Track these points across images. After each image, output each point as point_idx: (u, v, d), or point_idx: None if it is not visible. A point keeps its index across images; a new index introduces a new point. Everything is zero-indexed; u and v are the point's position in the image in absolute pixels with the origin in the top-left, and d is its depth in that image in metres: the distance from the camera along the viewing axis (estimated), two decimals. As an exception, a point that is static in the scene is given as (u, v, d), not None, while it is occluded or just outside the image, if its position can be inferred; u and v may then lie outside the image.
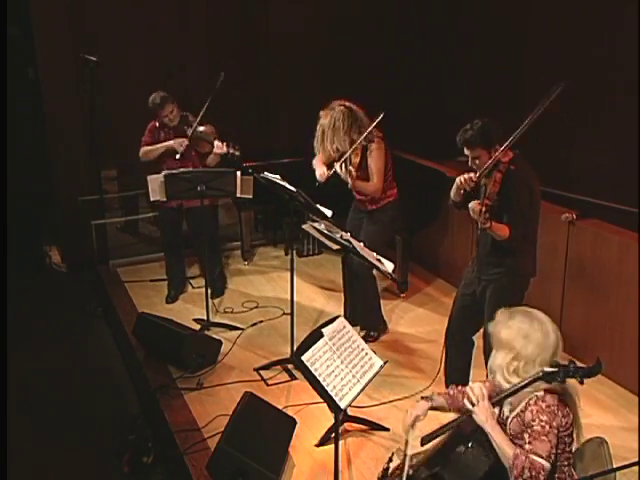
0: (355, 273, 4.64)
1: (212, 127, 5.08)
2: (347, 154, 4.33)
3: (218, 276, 5.57)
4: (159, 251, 6.35)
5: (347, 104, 4.41)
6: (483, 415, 2.46)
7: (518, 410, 2.49)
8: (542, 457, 2.32)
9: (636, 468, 2.54)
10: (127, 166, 6.36)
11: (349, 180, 4.35)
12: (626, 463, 2.33)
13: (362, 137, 4.29)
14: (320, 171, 4.47)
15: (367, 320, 4.83)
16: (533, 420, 2.38)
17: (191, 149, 5.02)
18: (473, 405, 2.49)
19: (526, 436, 2.39)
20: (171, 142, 4.97)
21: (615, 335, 4.22)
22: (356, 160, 4.43)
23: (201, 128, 4.99)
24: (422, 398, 2.84)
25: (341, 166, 4.32)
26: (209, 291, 5.42)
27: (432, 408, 2.78)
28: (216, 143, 4.93)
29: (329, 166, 4.44)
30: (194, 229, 5.32)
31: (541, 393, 2.42)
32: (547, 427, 2.35)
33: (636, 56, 4.52)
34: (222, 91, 4.99)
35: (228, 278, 5.82)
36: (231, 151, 4.91)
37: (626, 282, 4.12)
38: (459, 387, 2.85)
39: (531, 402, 2.42)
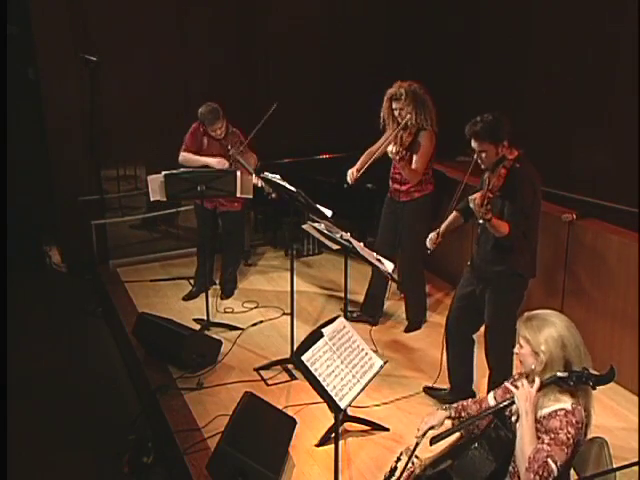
0: (408, 273, 4.87)
1: (255, 157, 5.13)
2: (400, 127, 4.41)
3: (230, 277, 5.59)
4: (159, 251, 6.37)
5: (417, 84, 4.46)
6: (523, 397, 2.42)
7: (538, 415, 2.45)
8: (556, 464, 2.31)
9: (636, 468, 2.54)
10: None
11: (396, 156, 4.35)
12: (626, 463, 2.33)
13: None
14: (350, 172, 4.64)
15: (416, 314, 5.02)
16: (561, 429, 2.35)
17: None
18: (517, 388, 2.46)
19: (546, 438, 2.36)
20: (213, 161, 4.97)
21: (615, 335, 4.22)
22: (408, 139, 4.47)
23: (246, 156, 5.02)
24: (444, 409, 2.82)
25: (397, 140, 4.40)
26: (219, 291, 5.54)
27: (449, 417, 2.78)
28: (255, 177, 4.94)
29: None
30: (225, 231, 5.39)
31: (569, 407, 2.39)
32: (571, 440, 2.34)
33: (636, 56, 4.52)
34: (221, 91, 5.01)
35: (228, 278, 5.83)
36: (269, 190, 4.92)
37: (626, 282, 4.12)
38: (473, 400, 2.86)
39: (560, 413, 2.39)
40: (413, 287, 4.96)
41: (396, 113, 4.44)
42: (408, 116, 4.39)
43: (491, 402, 2.75)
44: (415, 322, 5.01)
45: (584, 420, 2.38)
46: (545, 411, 2.43)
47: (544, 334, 2.44)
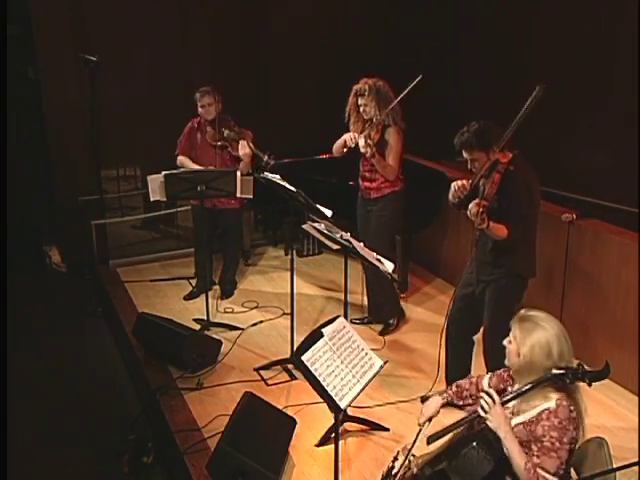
0: (374, 270, 4.67)
1: (250, 133, 5.11)
2: (372, 124, 4.40)
3: (230, 279, 5.59)
4: (159, 251, 6.37)
5: (382, 81, 4.47)
6: (497, 421, 2.44)
7: (526, 417, 2.46)
8: (549, 473, 2.33)
9: (636, 468, 2.54)
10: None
11: (368, 150, 4.35)
12: (626, 463, 2.33)
13: (393, 104, 4.34)
14: (349, 136, 4.49)
15: (386, 311, 4.94)
16: (544, 436, 2.36)
17: (225, 153, 5.06)
18: (486, 412, 2.47)
19: (535, 448, 2.38)
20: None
21: (615, 335, 4.22)
22: (376, 136, 4.48)
23: (240, 133, 5.02)
24: (438, 394, 2.86)
25: (365, 138, 4.37)
26: (219, 291, 5.56)
27: (445, 404, 2.80)
28: (241, 142, 4.93)
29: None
30: (223, 229, 5.40)
31: (553, 405, 2.39)
32: (557, 444, 2.34)
33: (636, 56, 4.52)
34: (222, 91, 5.01)
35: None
36: (265, 158, 4.88)
37: (626, 282, 4.12)
38: (468, 380, 2.87)
39: (543, 416, 2.40)
40: (380, 285, 4.81)
41: (361, 109, 4.47)
42: (371, 111, 4.41)
43: (485, 386, 2.76)
44: (389, 323, 4.94)
45: (570, 415, 2.38)
46: (533, 412, 2.45)
47: (532, 339, 2.45)
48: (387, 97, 4.42)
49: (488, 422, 2.46)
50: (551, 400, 2.41)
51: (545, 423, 2.38)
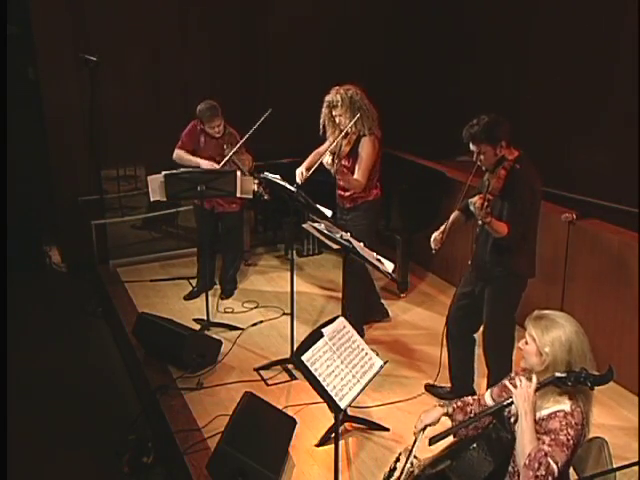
0: (351, 271, 4.61)
1: (251, 158, 5.11)
2: (340, 136, 4.29)
3: (230, 278, 5.60)
4: (159, 251, 6.36)
5: (354, 88, 4.34)
6: (522, 397, 2.40)
7: (537, 417, 2.43)
8: (557, 464, 2.30)
9: (636, 468, 2.55)
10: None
11: (331, 169, 4.26)
12: (626, 463, 2.33)
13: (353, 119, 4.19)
14: (299, 171, 4.44)
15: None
16: (561, 430, 2.34)
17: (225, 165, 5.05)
18: (515, 387, 2.45)
19: (546, 439, 2.34)
20: (204, 163, 4.95)
21: (615, 335, 4.22)
22: (346, 148, 4.38)
23: (241, 157, 5.01)
24: (439, 405, 2.82)
25: (332, 153, 4.28)
26: (219, 291, 5.56)
27: (445, 415, 2.77)
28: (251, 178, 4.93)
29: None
30: (224, 232, 5.40)
31: (568, 408, 2.38)
32: (571, 442, 2.33)
33: (636, 56, 4.52)
34: (221, 91, 5.01)
35: (228, 278, 5.83)
36: (260, 191, 4.90)
37: (626, 282, 4.12)
38: (472, 397, 2.85)
39: (559, 414, 2.38)
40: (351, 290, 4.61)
41: (337, 120, 4.35)
42: (346, 122, 4.27)
43: (488, 401, 2.75)
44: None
45: (583, 422, 2.38)
46: (544, 412, 2.43)
47: (551, 335, 2.43)
48: (362, 105, 4.27)
49: (514, 398, 2.43)
50: (566, 404, 2.40)
51: (563, 420, 2.36)
